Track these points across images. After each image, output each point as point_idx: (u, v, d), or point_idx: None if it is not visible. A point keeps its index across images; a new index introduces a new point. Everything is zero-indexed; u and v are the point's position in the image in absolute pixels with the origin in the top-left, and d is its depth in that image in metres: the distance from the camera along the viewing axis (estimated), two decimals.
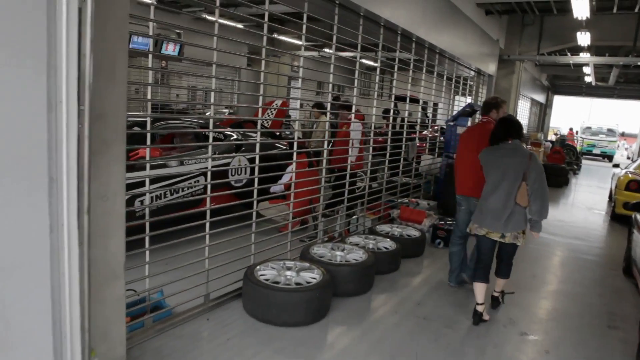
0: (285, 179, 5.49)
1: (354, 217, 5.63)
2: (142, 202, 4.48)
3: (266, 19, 3.81)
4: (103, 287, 2.42)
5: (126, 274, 2.60)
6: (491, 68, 9.85)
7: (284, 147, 6.82)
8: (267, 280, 3.41)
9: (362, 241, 4.69)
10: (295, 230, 5.08)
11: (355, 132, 5.65)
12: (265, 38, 3.91)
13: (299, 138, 10.19)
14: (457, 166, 4.54)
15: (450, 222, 5.80)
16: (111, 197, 2.44)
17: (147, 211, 3.18)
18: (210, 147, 3.73)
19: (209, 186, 3.57)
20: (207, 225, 3.36)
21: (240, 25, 12.03)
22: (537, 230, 3.60)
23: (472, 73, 9.56)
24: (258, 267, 3.60)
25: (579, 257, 5.75)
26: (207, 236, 3.38)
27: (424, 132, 9.08)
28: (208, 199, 3.41)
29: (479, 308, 3.59)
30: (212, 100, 13.71)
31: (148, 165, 3.11)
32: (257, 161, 3.99)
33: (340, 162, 6.01)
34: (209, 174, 3.54)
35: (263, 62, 4.07)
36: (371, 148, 5.67)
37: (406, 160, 6.69)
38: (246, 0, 3.83)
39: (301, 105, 14.71)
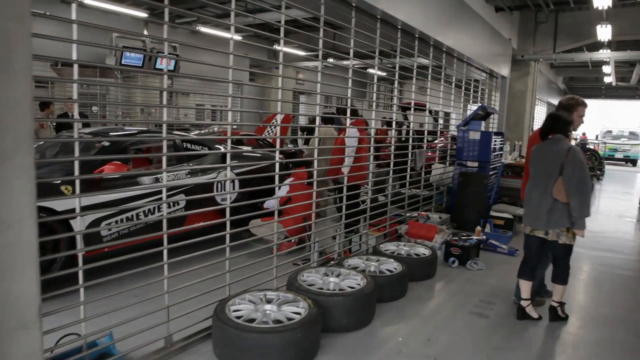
0: (281, 192, 4.92)
1: (355, 235, 5.01)
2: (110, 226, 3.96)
3: (283, 26, 3.27)
4: (5, 341, 1.86)
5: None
6: (504, 69, 9.22)
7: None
8: (240, 317, 2.80)
9: (363, 263, 4.06)
10: (291, 250, 4.50)
11: (350, 139, 5.06)
12: (276, 43, 3.35)
13: (300, 151, 9.64)
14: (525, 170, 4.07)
15: (465, 237, 5.13)
16: (14, 223, 1.88)
17: (79, 238, 2.62)
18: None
19: (164, 206, 3.00)
20: (165, 253, 2.79)
21: (238, 37, 11.68)
22: (578, 228, 3.36)
23: (484, 76, 8.94)
24: (233, 300, 3.01)
25: (617, 274, 5.01)
26: (166, 266, 2.80)
27: (434, 141, 8.45)
28: (164, 222, 2.83)
29: (523, 303, 3.61)
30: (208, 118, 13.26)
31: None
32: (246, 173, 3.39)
33: (335, 174, 5.46)
34: (164, 193, 2.96)
35: (283, 66, 3.48)
36: (372, 157, 5.05)
37: (414, 170, 6.06)
38: (250, 8, 3.26)
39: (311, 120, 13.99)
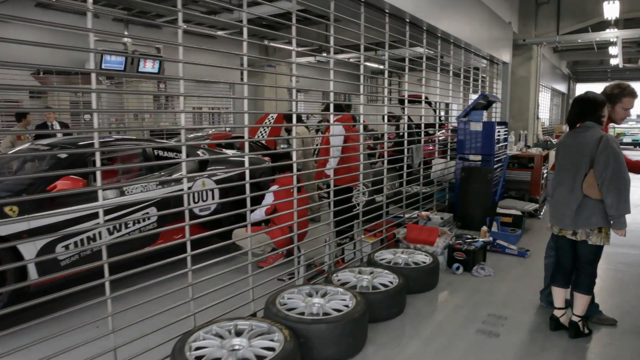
0: (266, 201, 4.47)
1: (348, 243, 4.54)
2: (67, 248, 3.53)
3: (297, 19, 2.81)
4: None
5: None
6: (505, 55, 8.69)
7: (264, 162, 5.82)
8: (201, 358, 2.35)
9: (354, 277, 3.60)
10: (280, 263, 4.06)
11: (335, 137, 4.59)
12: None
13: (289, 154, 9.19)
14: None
15: (471, 240, 4.65)
16: None
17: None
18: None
19: (103, 233, 2.55)
20: (107, 285, 2.34)
21: (220, 33, 11.22)
22: (618, 227, 2.90)
23: (484, 63, 8.42)
24: (197, 334, 2.56)
25: None
26: (109, 301, 2.35)
27: (433, 134, 7.96)
28: (104, 250, 2.38)
29: (557, 312, 3.21)
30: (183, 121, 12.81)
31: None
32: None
33: (321, 176, 5.02)
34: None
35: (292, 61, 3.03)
36: (362, 156, 4.57)
37: (411, 168, 5.59)
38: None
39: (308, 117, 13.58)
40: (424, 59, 5.61)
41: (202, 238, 3.07)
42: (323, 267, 4.16)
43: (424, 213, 5.42)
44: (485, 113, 6.72)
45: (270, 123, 9.92)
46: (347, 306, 2.96)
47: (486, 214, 5.75)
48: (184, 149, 2.79)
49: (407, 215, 5.39)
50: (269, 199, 4.41)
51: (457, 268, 4.37)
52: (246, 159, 3.31)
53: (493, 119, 8.44)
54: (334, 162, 4.74)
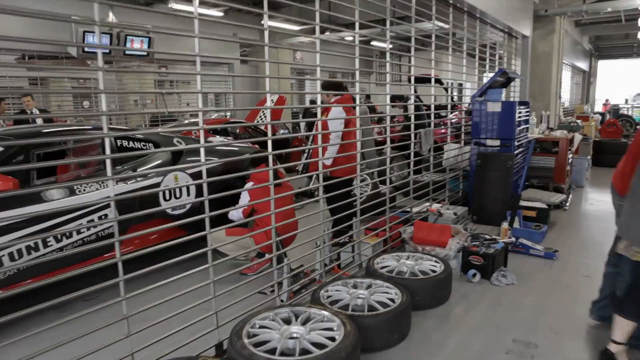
0: (243, 200, 3.83)
1: (344, 247, 3.88)
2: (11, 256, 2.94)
3: None
4: None
5: None
6: (525, 27, 7.84)
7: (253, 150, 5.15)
8: None
9: (346, 294, 2.94)
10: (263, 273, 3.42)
11: (334, 122, 3.92)
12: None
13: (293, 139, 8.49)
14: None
15: (489, 240, 3.96)
16: None
17: None
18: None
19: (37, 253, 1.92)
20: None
21: (220, 13, 10.50)
22: None
23: (501, 36, 7.59)
24: None
25: None
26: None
27: (445, 116, 7.21)
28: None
29: (613, 348, 2.46)
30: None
31: None
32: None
33: (316, 167, 4.32)
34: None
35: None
36: (359, 144, 3.87)
37: (420, 155, 4.88)
38: None
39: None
40: (433, 35, 4.83)
41: (173, 242, 2.46)
42: (314, 275, 3.51)
43: (434, 207, 4.72)
44: (503, 92, 5.95)
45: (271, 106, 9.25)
46: (333, 339, 2.31)
47: (506, 207, 5.03)
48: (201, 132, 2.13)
49: (414, 210, 4.70)
50: (244, 198, 3.76)
51: (474, 275, 3.69)
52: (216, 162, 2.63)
53: (511, 100, 7.64)
54: (332, 150, 4.09)
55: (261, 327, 2.46)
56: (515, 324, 2.99)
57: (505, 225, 4.25)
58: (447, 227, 4.09)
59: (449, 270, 3.38)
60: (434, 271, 3.36)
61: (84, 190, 3.40)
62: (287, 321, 2.51)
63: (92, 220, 3.37)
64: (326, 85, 4.20)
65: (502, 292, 3.51)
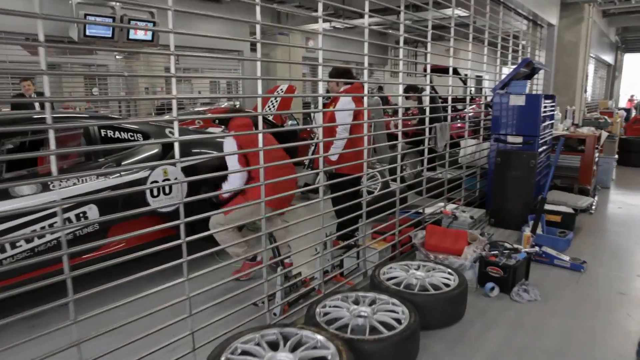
0: (233, 182, 3.42)
1: (348, 253, 3.51)
2: None
3: None
4: None
5: None
6: (552, 15, 7.30)
7: None
8: None
9: (346, 312, 2.58)
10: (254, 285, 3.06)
11: (342, 113, 3.55)
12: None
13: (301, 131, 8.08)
14: None
15: (510, 250, 3.55)
16: None
17: None
18: None
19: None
20: None
21: None
22: None
23: (525, 25, 7.07)
24: None
25: None
26: None
27: (463, 109, 6.76)
28: None
29: None
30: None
31: None
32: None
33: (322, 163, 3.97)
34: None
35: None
36: (369, 139, 3.48)
37: (435, 152, 4.47)
38: None
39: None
40: (453, 20, 4.39)
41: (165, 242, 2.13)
42: (314, 285, 3.16)
43: (448, 210, 4.31)
44: (528, 83, 5.48)
45: (281, 93, 8.88)
46: None
47: (528, 210, 4.62)
48: (175, 124, 1.78)
49: (427, 211, 4.31)
50: (230, 148, 3.37)
51: (492, 289, 3.29)
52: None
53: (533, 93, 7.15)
54: (339, 144, 3.73)
55: (243, 352, 2.11)
56: (540, 352, 2.60)
57: (527, 232, 3.83)
58: (462, 233, 3.69)
59: (465, 285, 2.99)
60: (447, 285, 2.98)
61: (60, 185, 3.07)
62: (274, 346, 2.16)
63: (68, 219, 3.06)
64: (334, 73, 3.82)
65: (523, 310, 3.11)
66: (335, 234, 3.30)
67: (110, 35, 7.92)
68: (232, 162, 3.36)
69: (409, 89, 6.09)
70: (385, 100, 11.83)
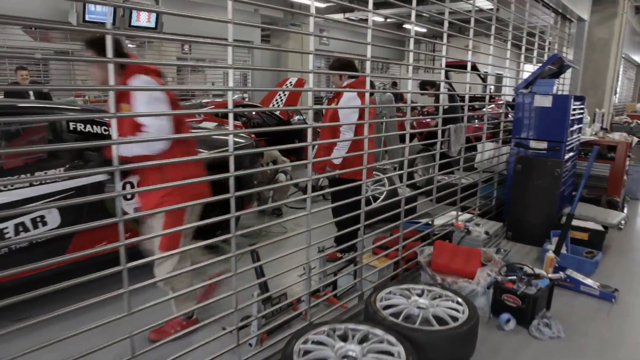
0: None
1: (344, 271, 3.08)
2: None
3: None
4: None
5: None
6: (582, 8, 6.71)
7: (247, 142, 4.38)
8: None
9: (329, 351, 2.15)
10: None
11: (346, 111, 3.13)
12: None
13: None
14: None
15: (531, 275, 3.08)
16: None
17: None
18: None
19: None
20: None
21: None
22: None
23: (552, 19, 6.50)
24: None
25: None
26: None
27: (481, 109, 6.25)
28: None
29: None
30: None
31: None
32: None
33: (322, 166, 3.56)
34: None
35: None
36: (381, 141, 3.03)
37: (448, 157, 4.00)
38: None
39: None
40: (473, 11, 3.89)
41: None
42: (300, 310, 2.74)
43: (460, 222, 3.84)
44: (556, 82, 4.96)
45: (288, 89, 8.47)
46: None
47: (550, 224, 4.14)
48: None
49: (437, 222, 3.85)
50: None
51: (507, 321, 2.84)
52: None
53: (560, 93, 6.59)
54: (343, 146, 3.31)
55: None
56: None
57: (550, 253, 3.35)
58: (475, 252, 3.23)
59: (476, 318, 2.53)
60: (454, 318, 2.52)
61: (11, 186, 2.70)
62: None
63: (23, 224, 2.69)
64: (337, 65, 3.38)
65: (544, 349, 2.65)
66: (332, 248, 2.89)
67: (111, 21, 7.54)
68: None
69: (426, 84, 5.61)
70: (399, 97, 11.32)
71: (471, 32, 3.92)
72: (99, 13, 7.41)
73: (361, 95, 3.26)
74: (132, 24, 7.81)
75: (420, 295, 2.77)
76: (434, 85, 5.34)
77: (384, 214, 3.23)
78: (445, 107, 3.89)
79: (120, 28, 7.69)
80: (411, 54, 3.23)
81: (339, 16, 10.88)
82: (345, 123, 3.33)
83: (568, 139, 4.43)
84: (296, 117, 8.21)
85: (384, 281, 3.24)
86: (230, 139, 2.15)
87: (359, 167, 2.92)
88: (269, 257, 2.43)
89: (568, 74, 7.09)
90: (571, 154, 4.79)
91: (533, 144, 4.48)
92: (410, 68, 3.29)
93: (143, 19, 7.91)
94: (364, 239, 2.97)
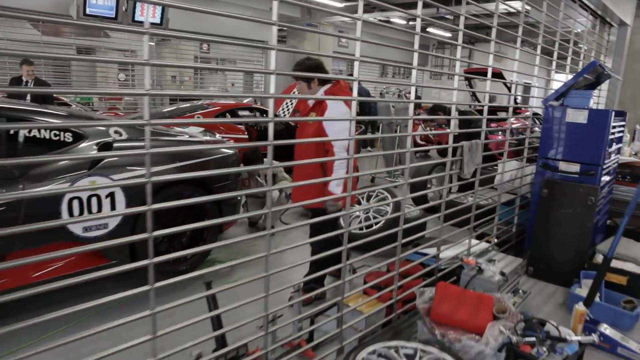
0: None
1: (322, 315, 2.54)
2: None
3: None
4: None
5: None
6: (625, 11, 5.98)
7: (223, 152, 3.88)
8: None
9: None
10: None
11: (335, 125, 2.60)
12: None
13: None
14: None
15: (555, 337, 2.46)
16: None
17: None
18: None
19: None
20: None
21: None
22: None
23: (590, 22, 5.81)
24: None
25: None
26: None
27: (504, 120, 5.61)
28: None
29: None
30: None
31: None
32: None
33: (305, 194, 2.95)
34: None
35: None
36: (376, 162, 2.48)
37: (463, 180, 3.39)
38: None
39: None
40: (496, 18, 3.30)
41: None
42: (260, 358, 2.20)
43: (471, 258, 3.22)
44: (593, 93, 4.29)
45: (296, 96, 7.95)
46: None
47: (581, 262, 3.50)
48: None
49: (445, 254, 3.26)
50: None
51: None
52: None
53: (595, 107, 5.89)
54: (340, 167, 2.75)
55: None
56: None
57: (581, 306, 2.72)
58: (486, 300, 2.63)
59: None
60: None
61: None
62: None
63: None
64: (304, 68, 2.82)
65: None
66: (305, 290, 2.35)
67: (113, 16, 7.20)
68: None
69: (438, 109, 5.08)
70: (417, 106, 10.69)
71: (493, 32, 3.33)
72: (100, 6, 7.05)
73: (348, 104, 2.71)
74: (136, 19, 7.46)
75: (411, 359, 2.20)
76: (445, 110, 4.80)
77: (380, 244, 2.67)
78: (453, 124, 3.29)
79: (123, 22, 7.34)
80: (413, 56, 2.65)
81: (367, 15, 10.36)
82: (334, 139, 2.74)
83: (605, 162, 3.78)
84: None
85: (373, 329, 2.68)
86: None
87: (344, 195, 2.37)
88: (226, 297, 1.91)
89: (604, 85, 6.38)
90: (608, 178, 4.12)
91: (563, 165, 3.83)
92: (414, 73, 2.72)
93: (147, 13, 7.55)
94: (343, 282, 2.41)
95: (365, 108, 9.64)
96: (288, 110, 8.19)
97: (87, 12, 6.96)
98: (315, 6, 2.63)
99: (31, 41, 8.30)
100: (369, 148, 10.27)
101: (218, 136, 4.24)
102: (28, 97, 6.12)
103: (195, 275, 1.79)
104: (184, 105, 6.95)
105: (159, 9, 7.55)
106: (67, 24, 7.80)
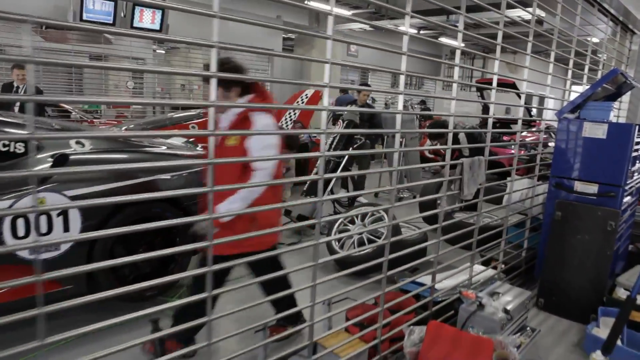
0: None
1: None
2: None
3: None
4: None
5: None
6: None
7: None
8: None
9: None
10: None
11: (263, 143, 2.22)
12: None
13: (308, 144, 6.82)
14: None
15: None
16: None
17: None
18: None
19: None
20: None
21: None
22: None
23: (610, 30, 5.39)
24: None
25: None
26: None
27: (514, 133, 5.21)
28: None
29: None
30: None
31: None
32: None
33: (231, 230, 2.32)
34: None
35: None
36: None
37: (464, 202, 3.02)
38: None
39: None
40: (502, 23, 2.94)
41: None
42: None
43: (471, 292, 2.82)
44: (613, 105, 3.88)
45: (303, 102, 7.68)
46: None
47: (598, 296, 3.08)
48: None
49: (441, 285, 2.88)
50: None
51: None
52: None
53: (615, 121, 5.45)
54: (247, 196, 2.25)
55: None
56: None
57: (599, 355, 2.31)
58: (485, 346, 2.24)
59: None
60: None
61: None
62: None
63: None
64: (221, 70, 2.26)
65: None
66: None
67: (111, 21, 7.02)
68: None
69: (436, 125, 4.75)
70: (427, 118, 10.31)
71: (499, 36, 2.97)
72: (97, 12, 6.88)
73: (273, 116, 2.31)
74: (135, 25, 7.27)
75: None
76: (445, 127, 4.44)
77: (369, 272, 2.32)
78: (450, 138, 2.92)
79: (122, 28, 7.14)
80: (404, 60, 2.30)
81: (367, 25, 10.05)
82: (262, 158, 2.23)
83: (627, 182, 3.36)
84: (302, 137, 7.39)
85: None
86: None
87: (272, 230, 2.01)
88: None
89: (626, 97, 5.93)
90: (630, 199, 3.69)
91: (579, 186, 3.42)
92: (403, 77, 2.38)
93: (146, 19, 7.36)
94: (313, 323, 2.06)
95: (365, 116, 9.29)
96: (291, 120, 7.90)
97: (84, 17, 6.79)
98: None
99: (40, 48, 8.19)
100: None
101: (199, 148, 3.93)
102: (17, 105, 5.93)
103: (139, 315, 1.47)
104: (178, 115, 6.70)
105: (158, 14, 7.35)
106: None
